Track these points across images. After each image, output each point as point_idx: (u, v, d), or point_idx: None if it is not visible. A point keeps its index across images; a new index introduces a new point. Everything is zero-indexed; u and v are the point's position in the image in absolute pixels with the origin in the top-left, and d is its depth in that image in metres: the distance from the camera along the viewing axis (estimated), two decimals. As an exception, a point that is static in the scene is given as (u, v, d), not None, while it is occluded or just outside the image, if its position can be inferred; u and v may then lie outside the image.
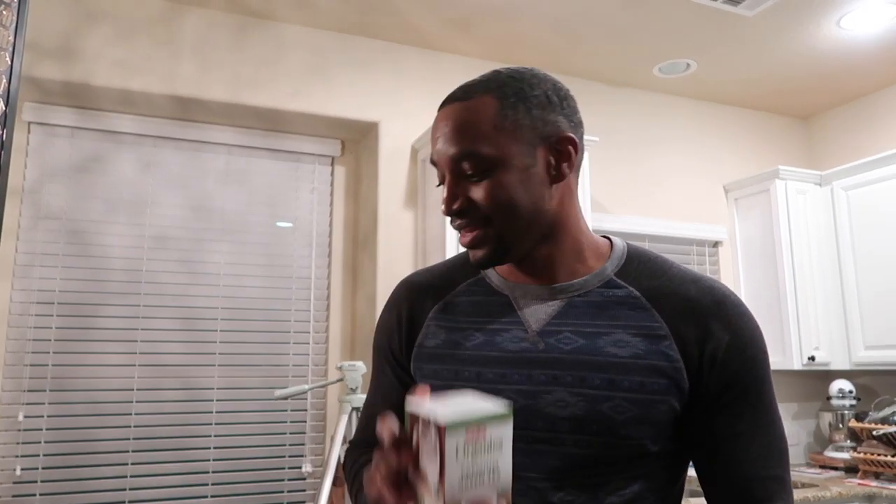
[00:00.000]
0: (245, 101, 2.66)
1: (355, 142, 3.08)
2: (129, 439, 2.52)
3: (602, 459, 0.82)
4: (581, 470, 0.82)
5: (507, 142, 0.84)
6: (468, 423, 0.62)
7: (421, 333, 0.95)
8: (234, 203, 2.83)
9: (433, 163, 0.90)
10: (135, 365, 2.57)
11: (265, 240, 2.85)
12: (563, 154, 0.86)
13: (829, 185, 3.33)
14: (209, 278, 2.73)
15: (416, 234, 2.85)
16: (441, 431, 0.61)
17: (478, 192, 0.85)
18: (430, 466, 0.63)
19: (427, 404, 0.66)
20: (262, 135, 2.90)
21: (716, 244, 3.50)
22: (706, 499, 0.88)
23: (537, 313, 0.88)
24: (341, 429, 1.95)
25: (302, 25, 2.79)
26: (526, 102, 0.85)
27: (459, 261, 1.00)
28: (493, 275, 0.94)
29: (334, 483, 1.92)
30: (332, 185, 3.02)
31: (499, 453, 0.63)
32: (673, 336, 0.84)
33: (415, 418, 0.66)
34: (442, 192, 0.92)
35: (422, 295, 0.98)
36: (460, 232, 0.89)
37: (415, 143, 2.89)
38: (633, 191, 3.33)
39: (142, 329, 2.60)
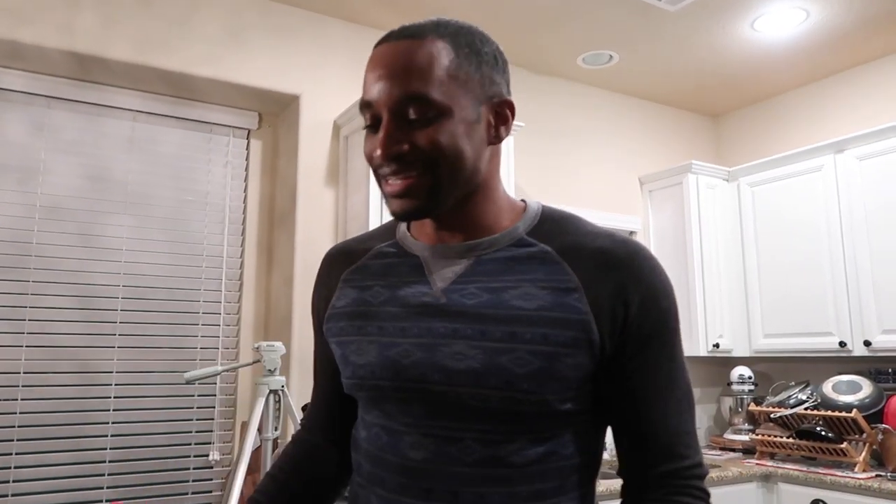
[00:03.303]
0: (152, 62, 2.46)
1: (274, 115, 2.93)
2: (13, 427, 2.28)
3: (502, 415, 0.79)
4: (479, 423, 0.80)
5: (457, 92, 0.81)
6: None
7: (334, 296, 0.95)
8: (138, 174, 2.62)
9: (365, 104, 0.82)
10: (22, 346, 2.33)
11: (172, 215, 2.66)
12: (501, 117, 0.85)
13: (737, 181, 3.49)
14: (109, 253, 2.52)
15: (337, 212, 2.75)
16: None
17: (422, 138, 0.79)
18: None
19: None
20: (172, 102, 2.70)
21: (630, 234, 3.59)
22: (623, 463, 0.86)
23: (444, 272, 0.86)
24: (257, 413, 1.83)
25: (219, -14, 2.61)
26: (478, 57, 0.84)
27: (380, 228, 0.99)
28: (408, 238, 0.92)
29: (248, 470, 1.81)
30: (247, 159, 2.86)
31: None
32: (584, 289, 0.81)
33: None
34: (368, 138, 0.84)
35: (337, 262, 0.98)
36: (386, 181, 0.83)
37: (337, 118, 2.78)
38: (552, 178, 3.36)
39: (30, 307, 2.36)
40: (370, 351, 0.86)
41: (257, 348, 1.93)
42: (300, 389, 2.54)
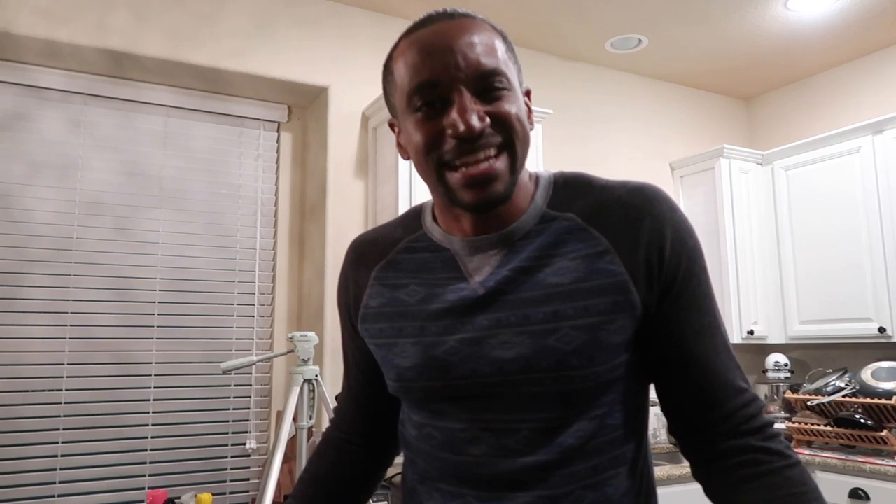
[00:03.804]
0: (184, 58, 2.50)
1: (303, 107, 2.96)
2: (59, 416, 2.36)
3: (557, 398, 0.79)
4: (534, 412, 0.79)
5: (513, 76, 0.82)
6: None
7: (366, 294, 0.92)
8: (172, 169, 2.67)
9: (427, 84, 0.77)
10: (65, 338, 2.40)
11: (206, 208, 2.71)
12: (528, 107, 0.86)
13: (770, 164, 3.42)
14: (146, 247, 2.57)
15: (367, 203, 2.76)
16: None
17: (500, 110, 0.77)
18: None
19: None
20: (203, 96, 2.74)
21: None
22: (678, 416, 0.85)
23: (480, 265, 0.85)
24: (292, 402, 1.87)
25: (247, -19, 2.64)
26: (514, 49, 0.86)
27: (403, 218, 0.96)
28: (435, 230, 0.90)
29: (283, 459, 1.85)
30: (277, 151, 2.90)
31: None
32: (615, 249, 0.80)
33: None
34: (425, 123, 0.78)
35: (365, 256, 0.95)
36: (462, 167, 0.77)
37: (365, 109, 2.79)
38: (580, 166, 3.33)
39: (72, 300, 2.43)
40: (414, 352, 0.85)
41: (291, 338, 1.96)
42: (333, 378, 2.58)
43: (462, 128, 0.75)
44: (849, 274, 3.04)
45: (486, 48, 0.78)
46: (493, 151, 0.78)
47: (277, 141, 2.90)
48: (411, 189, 2.49)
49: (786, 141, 3.73)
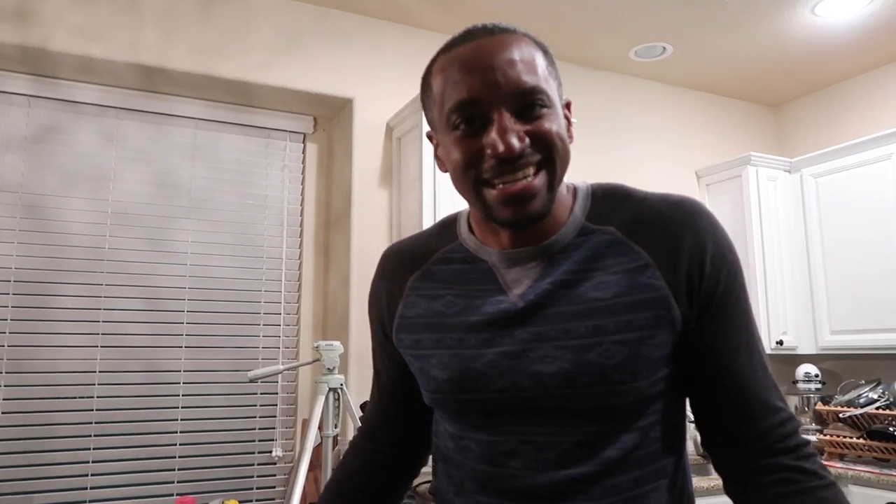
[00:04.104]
0: (212, 72, 2.55)
1: (328, 118, 3.00)
2: (90, 423, 2.41)
3: (598, 412, 0.78)
4: (575, 425, 0.79)
5: (553, 91, 0.81)
6: None
7: (401, 304, 0.92)
8: (201, 179, 2.72)
9: (467, 103, 0.77)
10: (97, 346, 2.45)
11: (234, 218, 2.75)
12: (568, 119, 0.85)
13: (799, 172, 3.38)
14: (175, 257, 2.62)
15: (391, 214, 2.79)
16: None
17: (539, 129, 0.77)
18: None
19: None
20: (231, 109, 2.79)
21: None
22: (712, 432, 0.84)
23: (519, 277, 0.84)
24: (317, 411, 1.88)
25: (274, -5, 2.68)
26: (555, 62, 0.85)
27: (437, 228, 0.96)
28: (471, 240, 0.89)
29: (309, 467, 1.86)
30: (303, 162, 2.93)
31: None
32: (656, 263, 0.80)
33: None
34: (463, 141, 0.79)
35: (400, 265, 0.94)
36: (501, 184, 0.77)
37: (390, 120, 2.81)
38: (606, 175, 3.32)
39: (104, 309, 2.48)
40: (453, 365, 0.84)
41: (316, 347, 1.98)
42: (358, 387, 2.59)
43: (502, 148, 0.75)
44: (881, 282, 2.98)
45: (527, 65, 0.78)
46: (531, 170, 0.78)
47: (303, 152, 2.94)
48: (435, 199, 2.51)
49: (814, 148, 3.68)
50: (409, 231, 2.64)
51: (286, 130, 2.90)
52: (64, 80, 2.52)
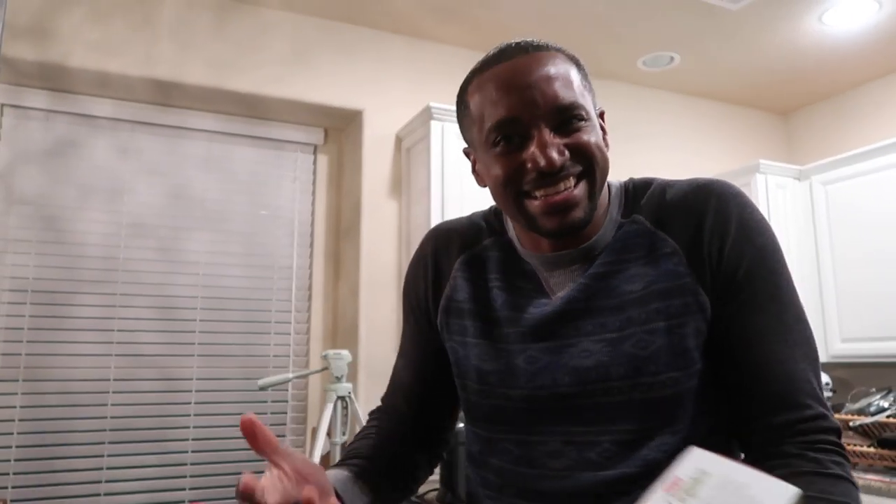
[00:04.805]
0: (225, 85, 2.60)
1: (338, 130, 3.04)
2: (105, 430, 2.45)
3: (637, 408, 0.78)
4: (616, 423, 0.79)
5: (589, 104, 0.83)
6: None
7: (448, 285, 0.92)
8: (214, 191, 2.77)
9: (507, 122, 0.79)
10: (111, 355, 2.50)
11: (246, 229, 2.79)
12: (603, 129, 0.87)
13: (808, 179, 3.37)
14: (188, 267, 2.67)
15: (401, 224, 2.82)
16: None
17: (579, 143, 0.79)
18: None
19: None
20: (243, 121, 2.84)
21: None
22: (732, 421, 0.81)
23: (561, 280, 0.86)
24: (326, 419, 1.91)
25: (284, 10, 2.73)
26: (588, 75, 0.86)
27: (486, 215, 0.97)
28: (516, 241, 0.91)
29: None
30: (314, 173, 2.98)
31: None
32: (681, 250, 0.80)
33: None
34: (503, 158, 0.80)
35: (449, 245, 0.95)
36: (542, 196, 0.79)
37: (399, 131, 2.85)
38: (615, 183, 3.33)
39: (118, 318, 2.53)
40: (498, 357, 0.85)
41: (325, 356, 2.01)
42: (367, 396, 2.62)
43: (543, 163, 0.77)
44: (892, 290, 2.97)
45: (564, 81, 0.79)
46: (572, 181, 0.79)
47: (314, 163, 2.98)
48: (443, 209, 2.54)
49: (824, 156, 3.67)
50: (417, 240, 2.66)
51: (297, 142, 2.94)
52: (81, 94, 2.58)
